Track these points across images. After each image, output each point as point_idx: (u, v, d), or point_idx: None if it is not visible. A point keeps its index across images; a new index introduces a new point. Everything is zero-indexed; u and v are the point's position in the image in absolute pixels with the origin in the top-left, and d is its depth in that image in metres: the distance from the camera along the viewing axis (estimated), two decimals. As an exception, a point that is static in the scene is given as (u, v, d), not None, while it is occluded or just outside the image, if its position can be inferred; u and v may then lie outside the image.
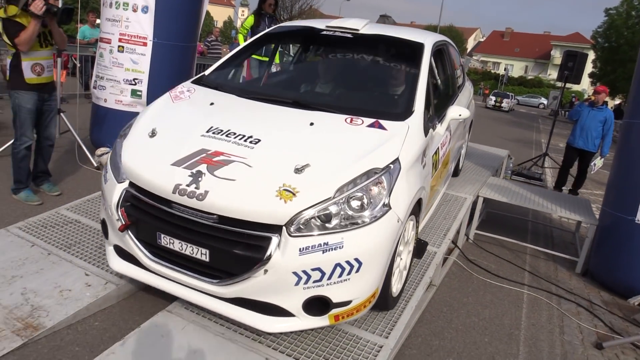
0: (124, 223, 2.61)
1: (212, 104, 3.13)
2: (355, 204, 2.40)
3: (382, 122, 2.87)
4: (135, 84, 5.33)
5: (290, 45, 5.84)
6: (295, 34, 4.48)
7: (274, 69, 5.09)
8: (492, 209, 5.87)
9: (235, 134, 2.72)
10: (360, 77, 3.83)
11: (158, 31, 5.28)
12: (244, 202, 2.35)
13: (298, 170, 2.44)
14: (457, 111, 3.63)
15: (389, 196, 2.47)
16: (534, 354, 3.21)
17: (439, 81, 4.04)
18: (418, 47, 3.65)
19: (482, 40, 73.00)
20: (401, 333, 2.75)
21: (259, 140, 2.66)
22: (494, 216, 5.84)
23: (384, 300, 2.74)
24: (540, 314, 3.78)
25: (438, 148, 3.53)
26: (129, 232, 2.63)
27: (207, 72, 3.71)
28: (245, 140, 2.66)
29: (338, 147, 2.67)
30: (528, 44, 63.89)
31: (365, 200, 2.41)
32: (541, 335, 3.46)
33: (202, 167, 2.49)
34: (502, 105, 31.03)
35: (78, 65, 10.43)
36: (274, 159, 2.53)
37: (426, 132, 3.11)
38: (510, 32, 67.87)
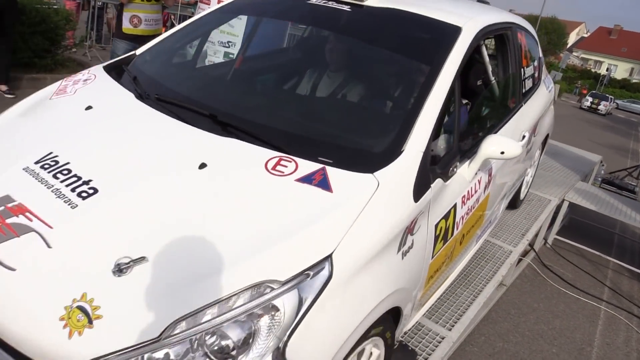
0: None
1: (89, 108, 2.07)
2: (215, 348, 1.30)
3: (330, 171, 1.67)
4: (228, 47, 5.46)
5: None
6: (274, 2, 2.96)
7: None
8: (576, 216, 5.51)
9: (69, 172, 1.71)
10: (336, 83, 2.48)
11: (255, -4, 5.35)
12: (10, 316, 1.36)
13: (120, 269, 1.38)
14: (499, 146, 2.09)
15: (289, 336, 1.33)
16: (605, 374, 3.02)
17: (489, 87, 2.81)
18: (448, 35, 2.26)
19: (585, 35, 67.95)
20: (465, 328, 2.67)
21: (95, 192, 1.61)
22: (577, 223, 5.49)
23: None
24: (617, 334, 3.53)
25: (454, 207, 2.10)
26: None
27: (140, 51, 2.63)
28: (74, 189, 1.63)
29: (223, 223, 1.51)
30: (637, 44, 58.64)
31: (234, 344, 1.30)
32: (615, 357, 3.24)
33: None
34: (599, 107, 28.92)
35: (176, 25, 10.86)
36: (92, 238, 1.49)
37: (420, 193, 1.78)
38: (619, 30, 62.52)
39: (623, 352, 3.32)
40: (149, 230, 1.50)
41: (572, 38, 67.10)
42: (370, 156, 1.83)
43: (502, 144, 2.11)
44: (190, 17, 9.53)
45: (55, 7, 7.01)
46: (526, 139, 2.68)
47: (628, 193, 7.68)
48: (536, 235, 4.32)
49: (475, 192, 2.35)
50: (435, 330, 2.55)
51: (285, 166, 1.69)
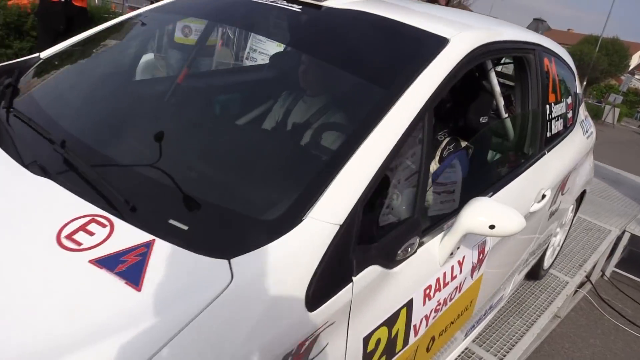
0: None
1: None
2: None
3: (159, 249, 1.02)
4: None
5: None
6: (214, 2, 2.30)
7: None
8: (636, 248, 5.23)
9: None
10: (246, 108, 1.96)
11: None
12: None
13: None
14: (488, 216, 1.34)
15: None
16: (667, 420, 2.83)
17: (496, 126, 2.26)
18: (426, 47, 1.57)
19: (649, 58, 64.97)
20: (517, 359, 2.58)
21: None
22: (637, 256, 5.20)
23: None
24: (681, 378, 3.31)
25: (406, 306, 1.35)
26: None
27: (45, 54, 1.98)
28: None
29: None
30: None
31: None
32: (679, 402, 3.03)
33: None
34: (662, 134, 27.55)
35: (232, 37, 11.18)
36: None
37: (323, 294, 1.08)
38: (687, 54, 59.48)
39: (688, 398, 3.11)
40: None
41: (635, 60, 64.21)
42: (238, 227, 1.11)
43: (493, 214, 1.34)
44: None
45: (121, 17, 7.39)
46: (547, 199, 2.10)
47: (694, 227, 7.22)
48: (594, 266, 4.14)
49: (453, 278, 1.53)
50: (486, 359, 2.48)
51: (92, 233, 1.03)
